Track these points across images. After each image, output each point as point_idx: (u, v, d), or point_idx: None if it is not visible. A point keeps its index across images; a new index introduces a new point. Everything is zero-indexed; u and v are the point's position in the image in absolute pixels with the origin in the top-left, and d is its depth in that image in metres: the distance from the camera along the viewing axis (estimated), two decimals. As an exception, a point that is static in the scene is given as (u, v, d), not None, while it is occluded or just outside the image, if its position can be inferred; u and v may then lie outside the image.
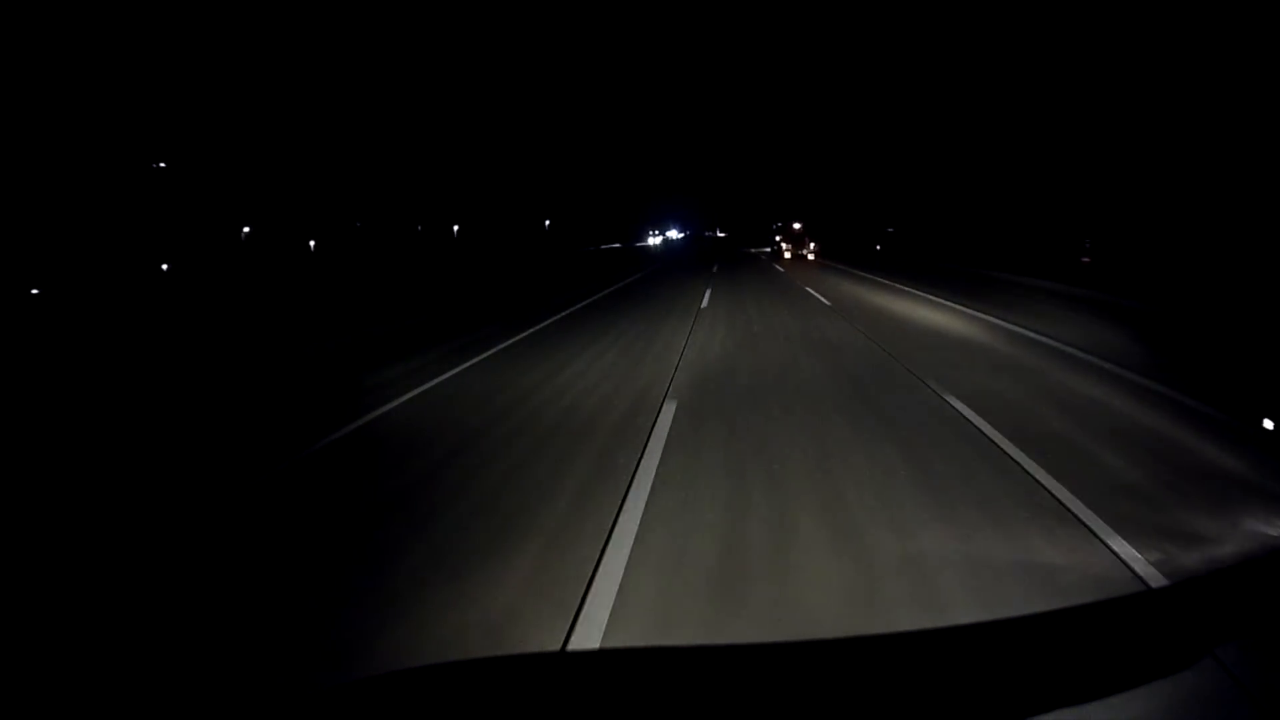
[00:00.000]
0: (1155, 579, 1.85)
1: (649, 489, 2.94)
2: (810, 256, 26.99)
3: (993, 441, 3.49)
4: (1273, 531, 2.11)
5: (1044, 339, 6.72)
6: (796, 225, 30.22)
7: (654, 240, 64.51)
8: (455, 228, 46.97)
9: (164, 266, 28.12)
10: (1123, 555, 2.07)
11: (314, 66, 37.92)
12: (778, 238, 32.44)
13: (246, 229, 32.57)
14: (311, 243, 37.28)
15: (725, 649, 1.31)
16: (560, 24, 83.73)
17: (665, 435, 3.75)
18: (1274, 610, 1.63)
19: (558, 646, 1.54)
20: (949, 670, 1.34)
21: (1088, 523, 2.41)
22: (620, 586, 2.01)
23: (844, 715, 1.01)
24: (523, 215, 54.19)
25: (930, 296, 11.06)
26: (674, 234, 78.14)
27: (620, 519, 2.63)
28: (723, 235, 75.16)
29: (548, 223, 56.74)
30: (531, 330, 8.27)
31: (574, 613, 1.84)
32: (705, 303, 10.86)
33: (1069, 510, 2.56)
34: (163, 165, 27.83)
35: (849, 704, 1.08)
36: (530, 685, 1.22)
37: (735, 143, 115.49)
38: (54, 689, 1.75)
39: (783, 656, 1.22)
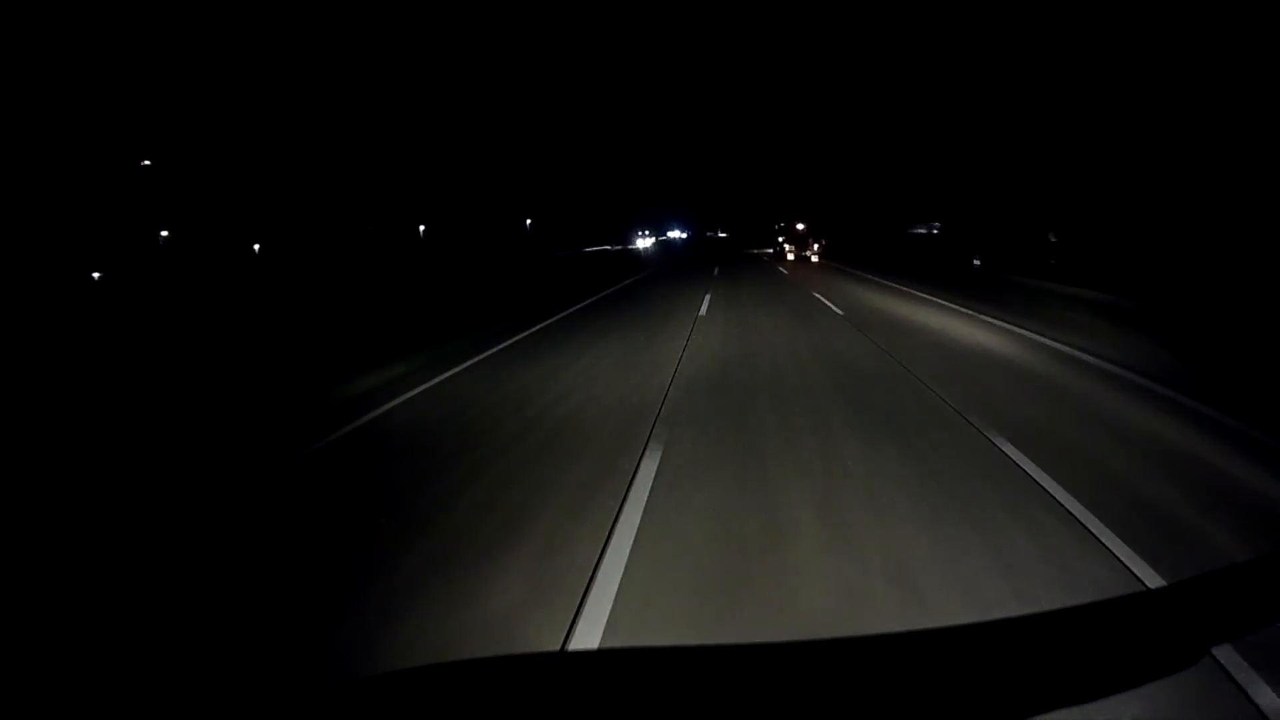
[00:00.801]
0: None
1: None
2: (814, 258, 28.25)
3: None
4: None
5: None
6: (800, 226, 31.70)
7: (643, 243, 64.75)
8: (421, 228, 46.99)
9: (95, 275, 27.99)
10: None
11: (243, 44, 36.93)
12: (780, 239, 33.63)
13: (165, 233, 31.75)
14: (256, 246, 36.96)
15: (725, 649, 1.46)
16: (557, 17, 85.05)
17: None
18: (1272, 610, 1.83)
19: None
20: (949, 670, 1.50)
21: None
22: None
23: (844, 715, 1.15)
24: (501, 214, 54.41)
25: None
26: (676, 234, 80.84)
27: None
28: (724, 236, 78.21)
29: (529, 222, 57.09)
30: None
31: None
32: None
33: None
34: (148, 163, 27.34)
35: (849, 704, 1.21)
36: (530, 685, 1.37)
37: (736, 143, 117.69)
38: (54, 689, 1.91)
39: (782, 656, 1.37)
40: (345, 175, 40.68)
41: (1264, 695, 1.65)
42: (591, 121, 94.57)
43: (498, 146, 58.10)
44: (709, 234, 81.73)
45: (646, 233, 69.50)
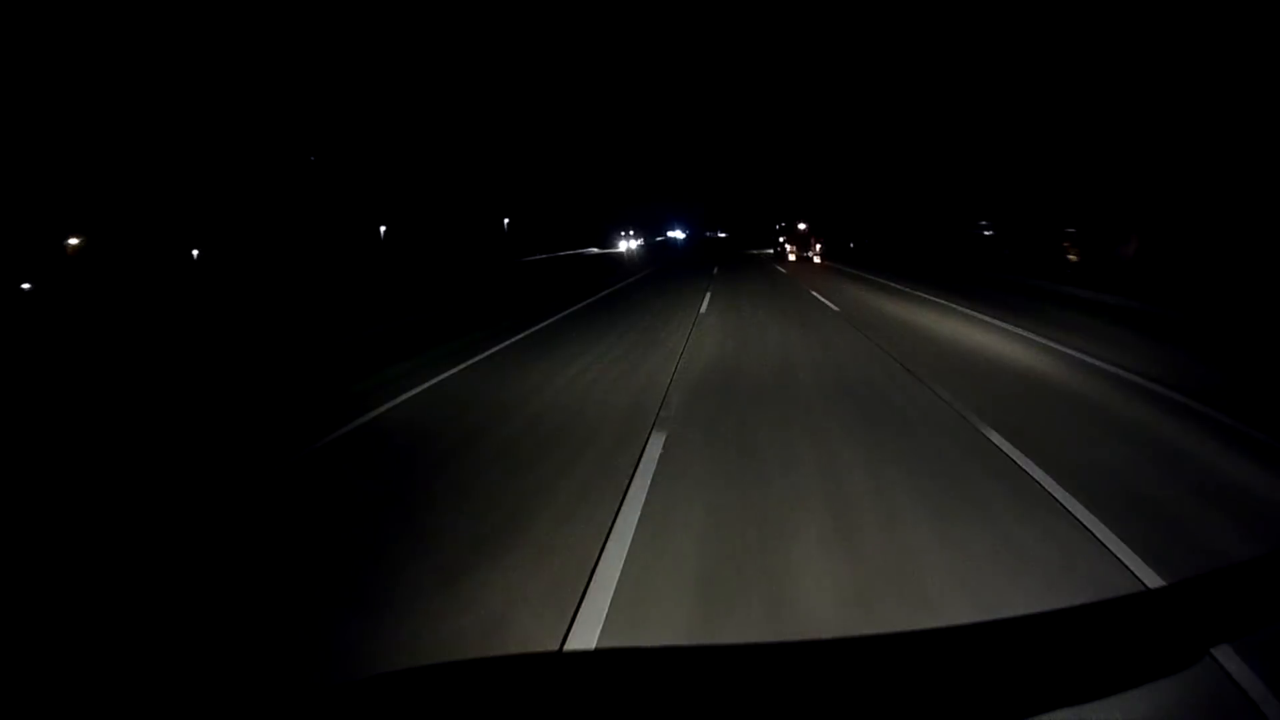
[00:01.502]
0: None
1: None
2: (816, 259, 29.48)
3: None
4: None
5: None
6: (801, 225, 33.26)
7: (626, 245, 65.37)
8: (382, 229, 46.70)
9: (25, 286, 27.59)
10: None
11: (166, 28, 34.56)
12: (781, 239, 35.05)
13: (74, 240, 30.62)
14: (195, 251, 36.30)
15: (723, 649, 1.57)
16: (554, 9, 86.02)
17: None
18: (1271, 610, 1.99)
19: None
20: (949, 670, 1.64)
21: None
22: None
23: (843, 715, 1.21)
24: (476, 213, 54.40)
25: None
26: (677, 234, 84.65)
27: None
28: (723, 235, 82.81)
29: (506, 221, 57.24)
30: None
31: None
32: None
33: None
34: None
35: (848, 704, 1.27)
36: (528, 685, 1.48)
37: (736, 142, 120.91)
38: (54, 689, 2.03)
39: (781, 656, 1.49)
40: (296, 174, 40.18)
41: (1264, 695, 1.80)
42: (587, 121, 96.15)
43: (475, 142, 58.15)
44: (709, 234, 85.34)
45: (630, 233, 69.50)
